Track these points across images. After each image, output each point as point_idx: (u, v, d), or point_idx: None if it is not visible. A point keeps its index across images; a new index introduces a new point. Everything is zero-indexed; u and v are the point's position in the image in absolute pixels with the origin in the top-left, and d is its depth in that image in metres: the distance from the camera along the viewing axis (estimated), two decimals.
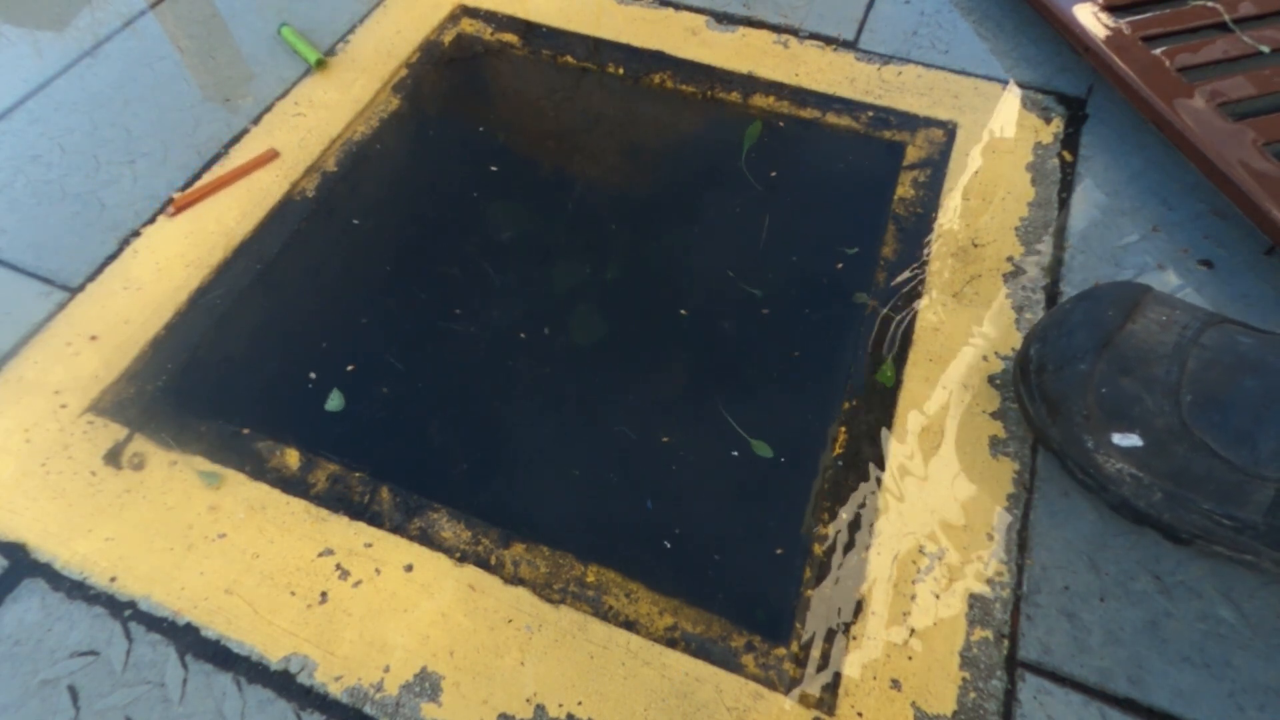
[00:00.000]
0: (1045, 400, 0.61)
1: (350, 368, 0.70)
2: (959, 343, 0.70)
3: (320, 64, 0.92)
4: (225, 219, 0.79)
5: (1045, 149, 0.85)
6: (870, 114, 0.89)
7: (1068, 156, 0.84)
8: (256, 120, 0.88)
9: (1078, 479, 0.61)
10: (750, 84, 0.92)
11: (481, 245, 0.79)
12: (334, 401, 0.66)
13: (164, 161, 0.84)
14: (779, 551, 0.60)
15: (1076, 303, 0.63)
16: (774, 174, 0.84)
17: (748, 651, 0.55)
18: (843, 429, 0.66)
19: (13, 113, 0.88)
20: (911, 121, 0.88)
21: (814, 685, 0.54)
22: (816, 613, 0.57)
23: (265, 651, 0.55)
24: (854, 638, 0.56)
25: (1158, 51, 0.84)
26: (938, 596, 0.57)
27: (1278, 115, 0.78)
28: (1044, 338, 0.62)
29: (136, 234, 0.78)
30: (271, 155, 0.83)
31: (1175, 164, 0.83)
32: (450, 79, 0.94)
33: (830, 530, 0.61)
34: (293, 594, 0.57)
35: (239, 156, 0.84)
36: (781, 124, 0.89)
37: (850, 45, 0.96)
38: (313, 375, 0.69)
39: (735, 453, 0.65)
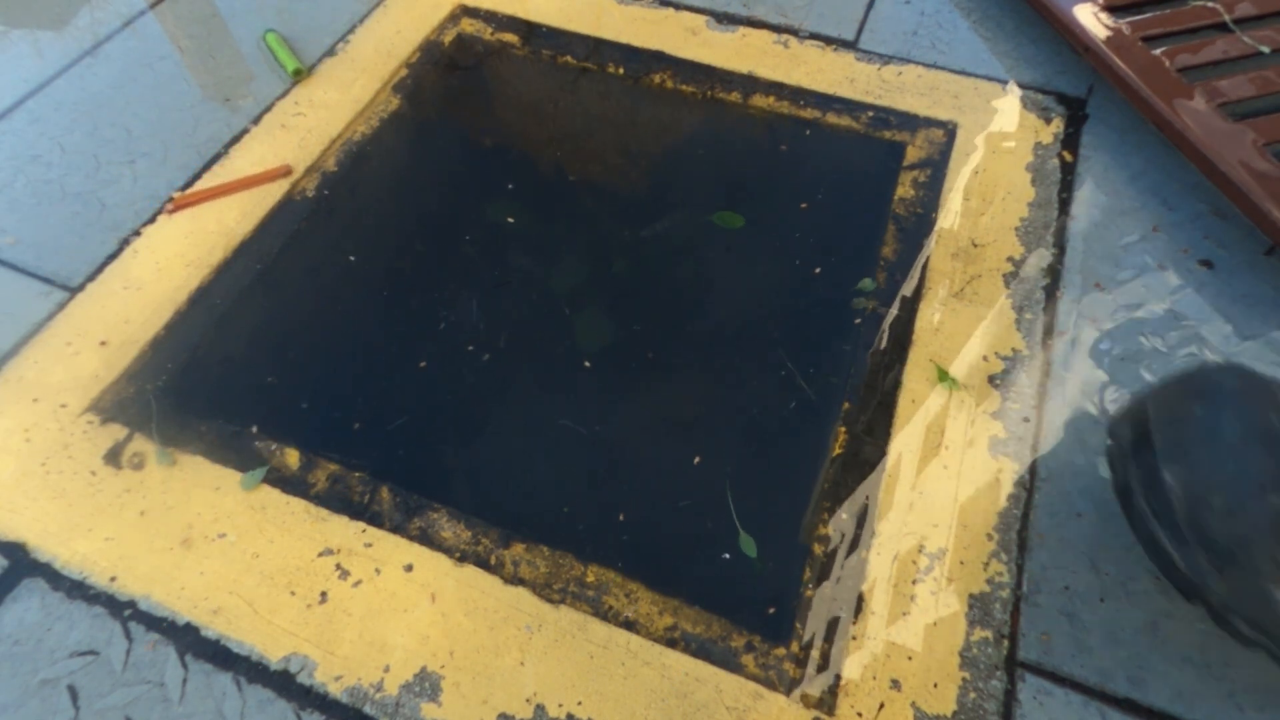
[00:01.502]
0: (1208, 547, 0.47)
1: (350, 367, 0.70)
2: (959, 343, 0.70)
3: (298, 74, 0.90)
4: (225, 219, 0.79)
5: (1045, 149, 0.85)
6: (870, 114, 0.89)
7: (1068, 157, 0.84)
8: (256, 120, 0.87)
9: (1243, 637, 0.48)
10: (750, 84, 0.92)
11: (483, 245, 0.79)
12: (249, 481, 0.62)
13: (164, 161, 0.84)
14: (779, 552, 0.60)
15: (1209, 409, 0.46)
16: (773, 174, 0.84)
17: (748, 651, 0.55)
18: (842, 429, 0.66)
19: (13, 113, 0.88)
20: (911, 121, 0.88)
21: (814, 685, 0.54)
22: (816, 613, 0.57)
23: (265, 651, 0.55)
24: (854, 638, 0.56)
25: (1158, 51, 0.84)
26: (937, 596, 0.57)
27: (1278, 115, 0.78)
28: (1186, 459, 0.47)
29: (137, 234, 0.77)
30: (285, 170, 0.82)
31: (1175, 164, 0.83)
32: (450, 79, 0.94)
33: (830, 531, 0.61)
34: (293, 594, 0.57)
35: (242, 159, 0.84)
36: (782, 123, 0.89)
37: (850, 45, 0.96)
38: (315, 376, 0.69)
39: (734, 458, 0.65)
